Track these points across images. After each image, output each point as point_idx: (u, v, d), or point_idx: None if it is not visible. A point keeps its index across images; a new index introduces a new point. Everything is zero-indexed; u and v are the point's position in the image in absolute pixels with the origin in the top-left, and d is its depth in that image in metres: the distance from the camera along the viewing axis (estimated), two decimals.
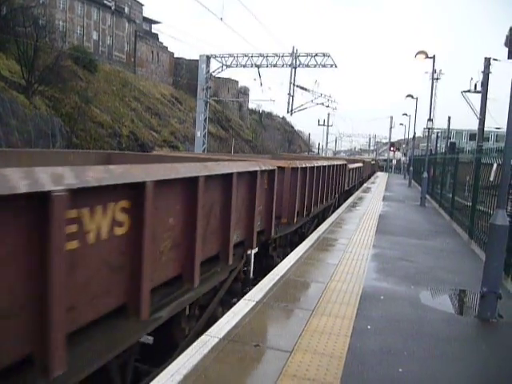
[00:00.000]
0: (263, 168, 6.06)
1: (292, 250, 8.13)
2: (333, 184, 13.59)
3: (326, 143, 73.82)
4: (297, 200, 8.64)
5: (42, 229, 2.35)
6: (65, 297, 2.50)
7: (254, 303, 4.92)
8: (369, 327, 4.53)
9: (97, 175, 2.74)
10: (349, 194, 19.81)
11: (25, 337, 2.37)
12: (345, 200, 17.62)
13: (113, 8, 61.51)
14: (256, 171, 5.67)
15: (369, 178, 34.83)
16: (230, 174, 4.79)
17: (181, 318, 4.29)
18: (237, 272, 5.66)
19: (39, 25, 40.26)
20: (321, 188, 11.36)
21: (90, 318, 2.87)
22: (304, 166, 9.46)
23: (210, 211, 4.52)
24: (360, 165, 24.98)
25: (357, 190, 23.15)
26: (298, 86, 33.74)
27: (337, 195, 15.22)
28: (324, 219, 12.40)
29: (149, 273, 3.27)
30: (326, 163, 12.42)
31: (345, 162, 17.43)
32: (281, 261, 7.31)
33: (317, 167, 10.73)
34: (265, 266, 7.20)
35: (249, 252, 5.80)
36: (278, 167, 7.05)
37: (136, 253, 3.16)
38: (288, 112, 34.19)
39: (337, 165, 14.44)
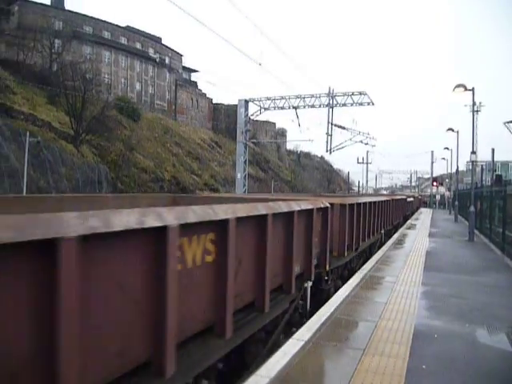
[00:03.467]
0: (404, 198, 25.16)
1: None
2: (401, 209, 22.89)
3: (367, 181, 73.09)
4: (392, 216, 17.86)
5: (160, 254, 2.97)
6: (177, 312, 3.07)
7: (303, 343, 4.85)
8: (424, 367, 4.37)
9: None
10: (406, 219, 27.46)
11: (145, 344, 2.87)
12: (405, 221, 25.65)
13: (157, 60, 64.67)
14: (405, 199, 25.63)
15: (417, 209, 44.74)
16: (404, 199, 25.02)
17: (251, 342, 4.70)
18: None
19: (87, 78, 42.75)
20: (396, 211, 19.99)
21: (190, 333, 3.41)
22: (394, 198, 19.42)
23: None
24: (412, 199, 35.78)
25: (410, 216, 31.87)
26: (335, 125, 33.92)
27: (402, 217, 23.70)
28: (396, 230, 19.89)
29: (233, 297, 3.83)
30: (398, 197, 22.62)
31: (405, 197, 27.86)
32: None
33: (396, 199, 20.37)
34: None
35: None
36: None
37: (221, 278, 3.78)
38: (327, 151, 34.26)
39: (402, 198, 24.49)
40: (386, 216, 15.54)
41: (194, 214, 3.34)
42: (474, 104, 20.99)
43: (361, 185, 76.59)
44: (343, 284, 8.44)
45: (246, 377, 4.06)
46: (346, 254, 8.86)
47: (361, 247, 10.79)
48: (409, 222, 26.76)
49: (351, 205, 9.40)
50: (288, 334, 5.65)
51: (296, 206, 5.40)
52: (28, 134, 28.38)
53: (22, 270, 2.09)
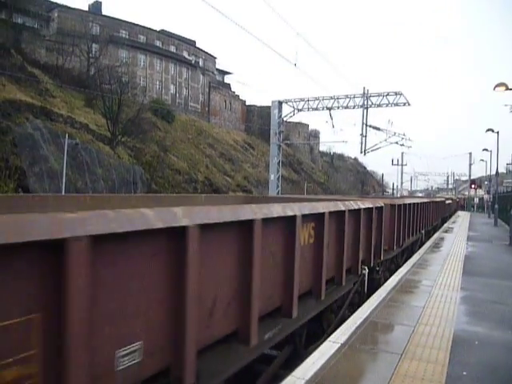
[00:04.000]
0: (443, 200, 27.78)
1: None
2: (440, 211, 24.23)
3: (401, 183, 71.83)
4: (432, 217, 19.07)
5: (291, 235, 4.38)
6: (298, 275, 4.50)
7: (339, 345, 4.78)
8: (464, 373, 4.22)
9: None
10: (444, 221, 28.28)
11: (233, 317, 3.57)
12: (443, 223, 26.36)
13: (193, 62, 65.50)
14: (444, 201, 27.50)
15: (455, 211, 45.67)
16: (443, 201, 27.63)
17: (327, 311, 5.97)
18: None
19: (123, 82, 43.59)
20: (436, 213, 21.27)
21: (302, 292, 4.76)
22: (433, 201, 21.27)
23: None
24: (451, 201, 37.71)
25: (448, 219, 32.44)
26: (370, 126, 33.39)
27: (440, 219, 24.78)
28: (435, 231, 20.44)
29: (325, 270, 5.26)
30: (438, 200, 24.52)
31: (444, 199, 29.71)
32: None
33: (436, 202, 22.09)
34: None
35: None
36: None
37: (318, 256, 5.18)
38: (361, 152, 33.73)
39: (441, 200, 27.07)
40: (426, 217, 16.80)
41: (306, 207, 4.66)
42: None
43: (395, 187, 75.30)
44: (390, 276, 9.21)
45: (283, 377, 4.04)
46: (394, 248, 10.11)
47: (405, 244, 11.84)
48: (446, 225, 26.12)
49: (399, 205, 10.69)
50: (350, 310, 6.78)
51: (361, 205, 6.83)
52: (67, 135, 29.10)
53: (238, 236, 3.46)
